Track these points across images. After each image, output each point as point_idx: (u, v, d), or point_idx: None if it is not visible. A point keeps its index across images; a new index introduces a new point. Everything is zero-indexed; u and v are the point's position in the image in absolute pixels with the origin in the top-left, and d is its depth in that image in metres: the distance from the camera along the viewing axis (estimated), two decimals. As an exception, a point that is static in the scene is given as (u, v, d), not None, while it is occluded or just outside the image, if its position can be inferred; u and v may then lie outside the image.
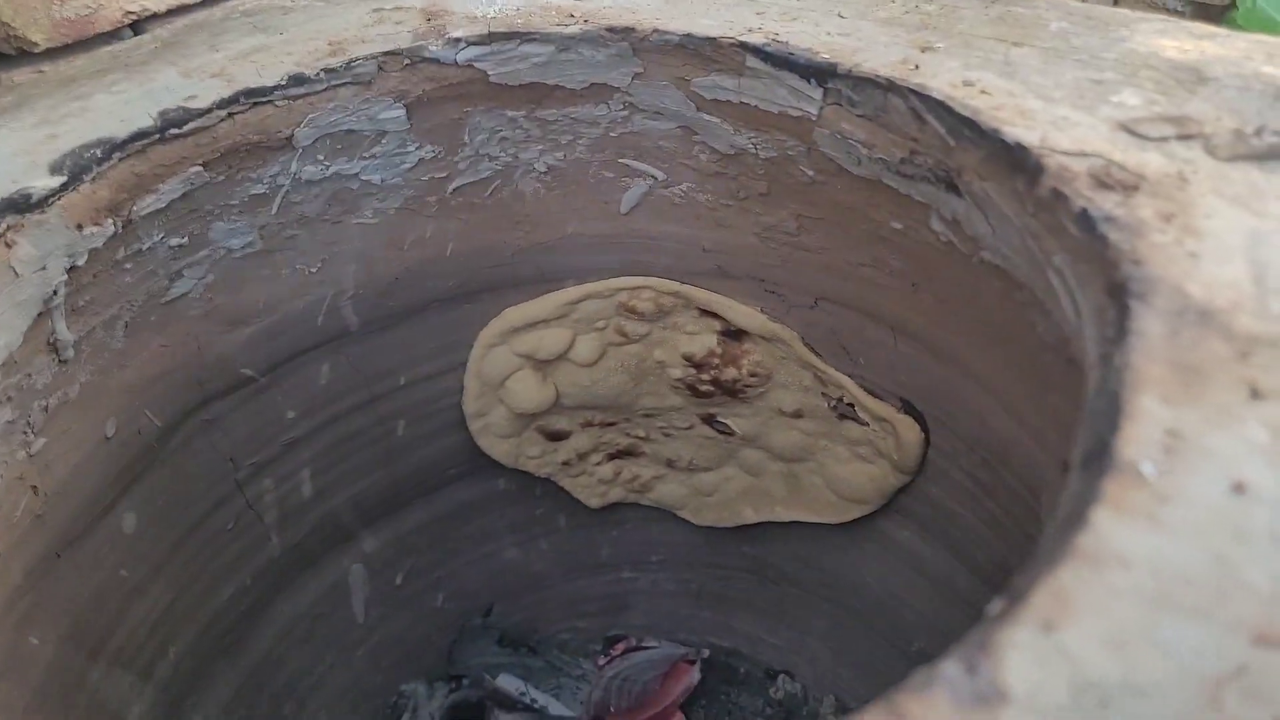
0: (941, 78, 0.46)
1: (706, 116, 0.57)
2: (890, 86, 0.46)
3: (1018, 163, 0.40)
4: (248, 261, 0.61)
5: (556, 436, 0.89)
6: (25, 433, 0.52)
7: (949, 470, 0.74)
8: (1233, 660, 0.22)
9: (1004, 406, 0.62)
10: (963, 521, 0.75)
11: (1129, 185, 0.38)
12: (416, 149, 0.60)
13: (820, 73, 0.49)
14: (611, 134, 0.62)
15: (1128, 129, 0.42)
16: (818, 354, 0.75)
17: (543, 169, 0.65)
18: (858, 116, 0.49)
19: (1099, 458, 0.27)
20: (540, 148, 0.63)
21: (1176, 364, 0.30)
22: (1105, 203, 0.37)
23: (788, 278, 0.70)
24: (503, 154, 0.63)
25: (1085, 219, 0.36)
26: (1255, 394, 0.29)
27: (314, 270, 0.65)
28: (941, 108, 0.44)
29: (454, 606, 1.01)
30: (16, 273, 0.44)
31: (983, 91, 0.44)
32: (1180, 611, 0.23)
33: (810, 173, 0.57)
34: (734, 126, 0.56)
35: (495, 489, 0.94)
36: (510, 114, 0.60)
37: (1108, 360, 0.31)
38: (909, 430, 0.73)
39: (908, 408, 0.73)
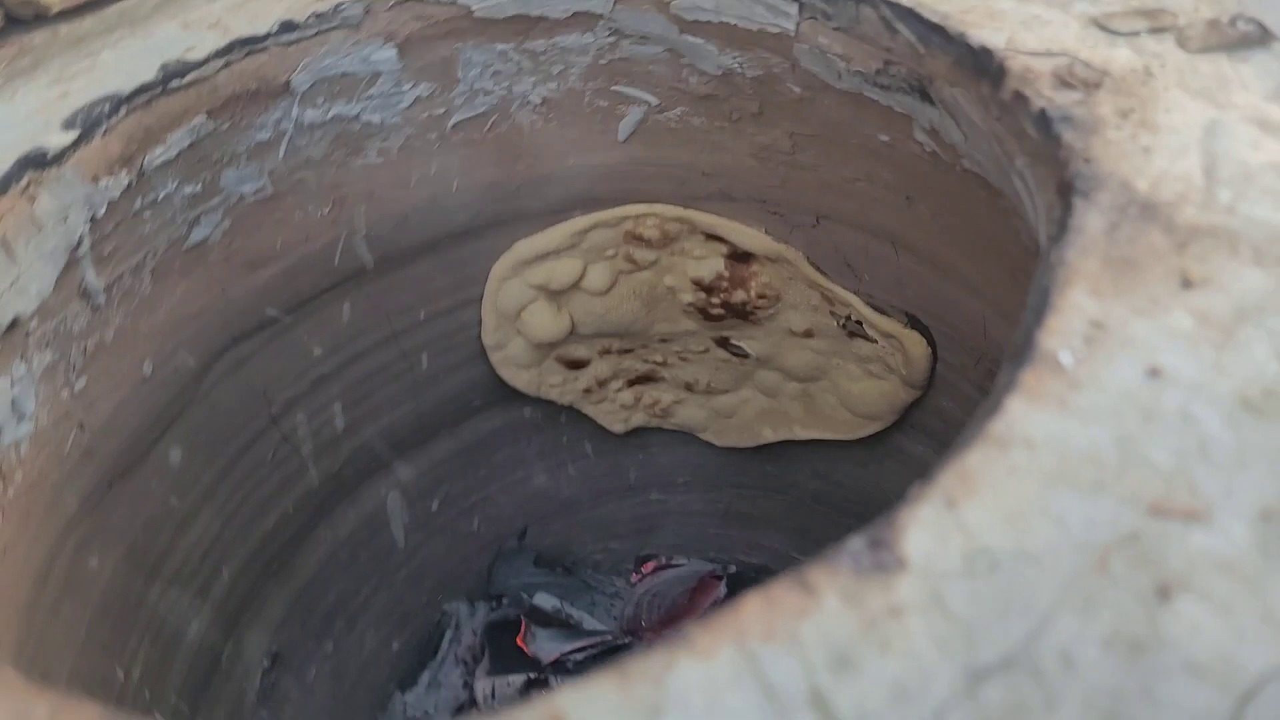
0: (913, -16, 0.46)
1: (690, 38, 0.57)
2: (862, -3, 0.46)
3: (983, 66, 0.41)
4: (260, 206, 0.64)
5: (576, 365, 0.92)
6: (67, 373, 0.56)
7: (958, 383, 0.74)
8: (1124, 529, 0.24)
9: (1003, 315, 0.63)
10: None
11: (1091, 83, 0.38)
12: (411, 88, 0.62)
13: (795, -13, 0.49)
14: (601, 61, 0.62)
15: (1099, 24, 0.42)
16: (823, 272, 0.76)
17: (538, 100, 0.66)
18: (833, 29, 0.49)
19: (1021, 351, 0.28)
20: (533, 79, 0.64)
21: (1111, 258, 0.31)
22: (1065, 101, 0.38)
23: (788, 197, 0.71)
24: (497, 88, 0.64)
25: (1043, 119, 0.37)
26: (1186, 283, 0.30)
27: (325, 211, 0.68)
28: (910, 15, 0.44)
29: (489, 531, 1.06)
30: (40, 224, 0.48)
31: (954, -3, 0.44)
32: (1078, 487, 0.25)
33: (797, 89, 0.57)
34: (718, 47, 0.57)
35: (521, 418, 0.98)
36: (500, 47, 0.61)
37: (1045, 257, 0.32)
38: (916, 345, 0.74)
39: (914, 322, 0.74)
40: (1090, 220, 0.32)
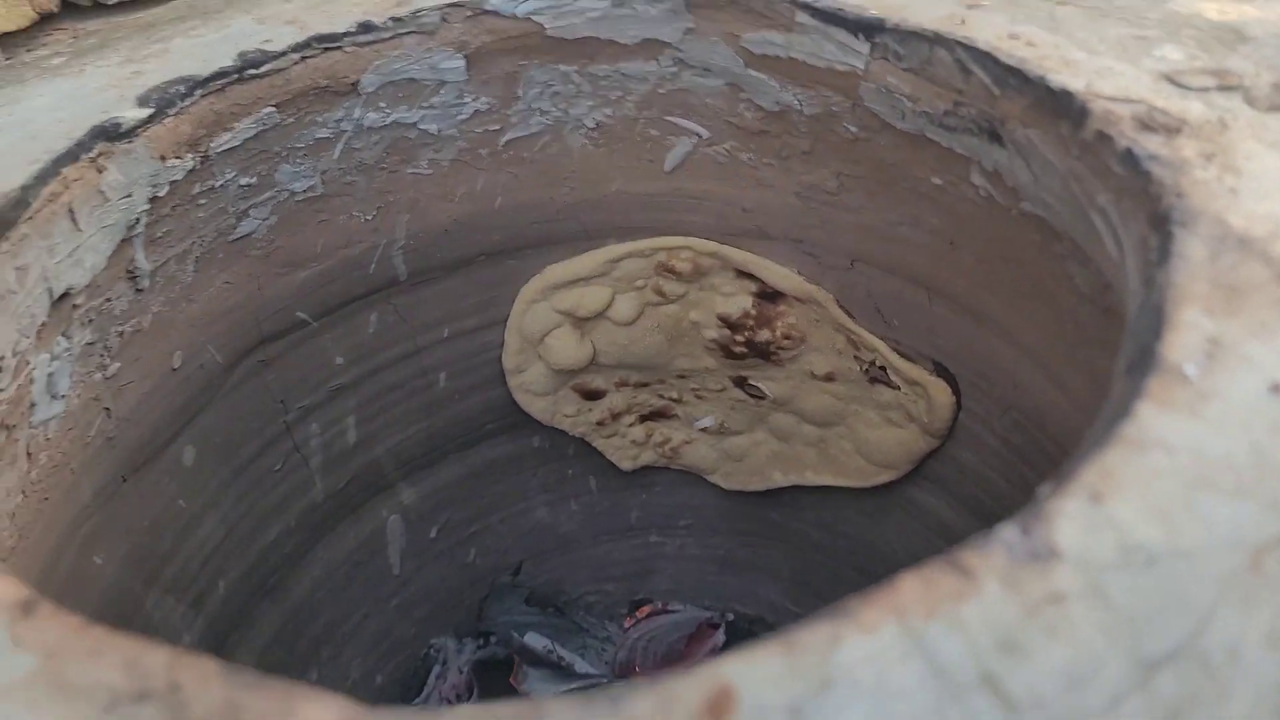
0: (988, 31, 0.47)
1: (754, 73, 0.59)
2: (937, 39, 0.47)
3: (1063, 108, 0.42)
4: (308, 205, 0.64)
5: (592, 395, 0.91)
6: (102, 356, 0.54)
7: (981, 434, 0.75)
8: (1271, 532, 0.24)
9: (1039, 367, 0.63)
10: (994, 487, 0.76)
11: (1171, 128, 0.40)
12: (472, 100, 0.62)
13: (868, 27, 0.51)
14: (660, 91, 0.64)
15: (1170, 79, 0.44)
16: (851, 316, 0.77)
17: (591, 125, 0.67)
18: (903, 70, 0.50)
19: (1143, 361, 0.29)
20: (590, 103, 0.65)
21: (1217, 283, 0.32)
22: (1149, 143, 0.39)
23: (825, 239, 0.72)
24: (554, 109, 0.65)
25: (1130, 157, 0.38)
26: (1292, 311, 0.31)
27: (369, 218, 0.68)
28: (988, 58, 0.45)
29: (485, 563, 1.04)
30: (106, 197, 0.47)
31: (1029, 43, 0.46)
32: (1219, 490, 0.25)
33: (853, 129, 0.59)
34: (781, 83, 0.58)
35: (529, 447, 0.96)
36: (564, 68, 0.62)
37: (1151, 281, 0.33)
38: (940, 393, 0.75)
39: (940, 370, 0.74)
40: (1193, 248, 0.33)
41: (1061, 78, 0.43)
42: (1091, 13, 0.50)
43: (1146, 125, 0.40)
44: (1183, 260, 0.33)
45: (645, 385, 0.92)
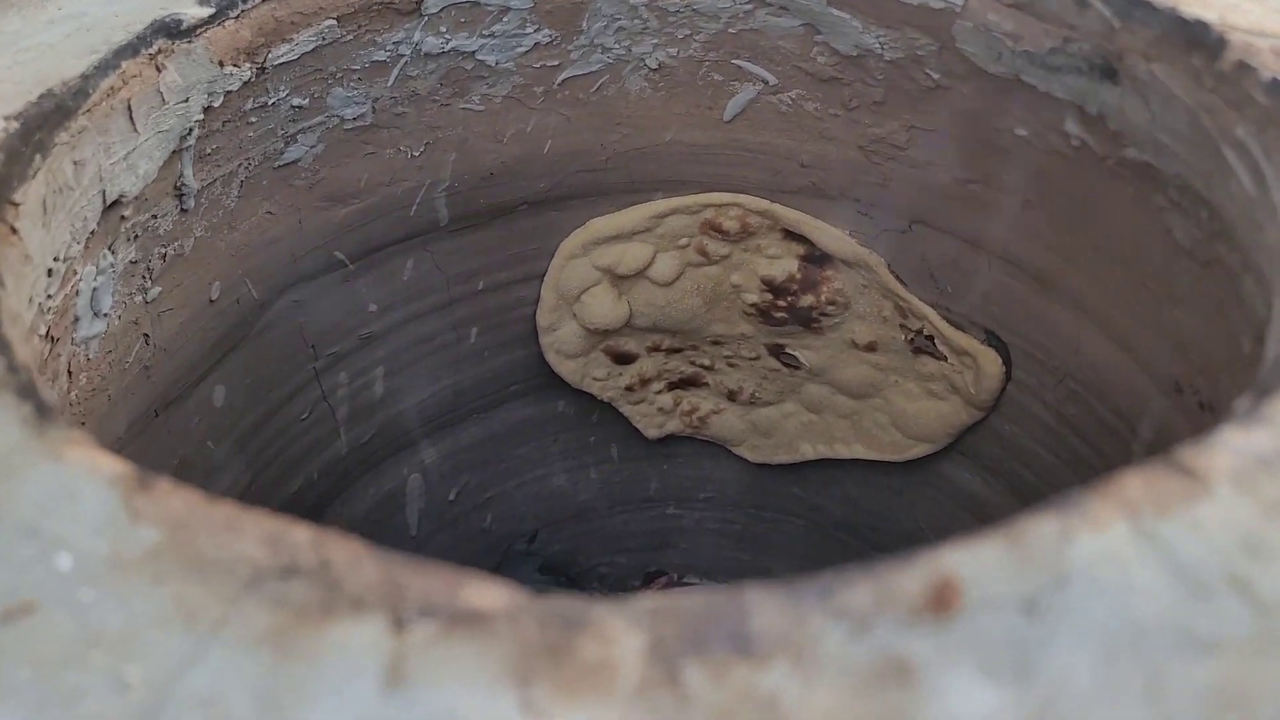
0: (1103, -35, 0.45)
1: (836, 12, 0.57)
2: (1049, -28, 0.45)
3: (1197, 39, 0.40)
4: (356, 135, 0.61)
5: (623, 359, 0.89)
6: (144, 277, 0.52)
7: (1029, 406, 0.73)
8: None
9: (1107, 332, 0.62)
10: (1039, 462, 0.75)
11: (1311, 63, 0.38)
12: (535, 31, 0.60)
13: (969, -38, 0.49)
14: (730, 30, 0.61)
15: (1298, 19, 0.42)
16: (902, 282, 0.75)
17: (653, 65, 0.64)
18: (1007, 6, 0.48)
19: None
20: (655, 41, 0.63)
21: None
22: (1291, 75, 0.37)
23: (885, 198, 0.70)
24: (617, 45, 0.62)
25: (1275, 86, 0.36)
26: None
27: (416, 154, 0.65)
28: (1107, -10, 0.43)
29: (500, 529, 1.01)
30: (163, 98, 0.44)
31: (1149, -23, 0.44)
32: None
33: (935, 75, 0.57)
34: (864, 24, 0.56)
35: (554, 410, 0.94)
36: (633, 1, 0.59)
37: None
38: (990, 363, 0.73)
39: (991, 339, 0.73)
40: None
41: (1193, 8, 0.41)
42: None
43: (1284, 58, 0.38)
44: (1353, 182, 0.31)
45: (678, 351, 0.90)
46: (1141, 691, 0.17)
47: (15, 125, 0.36)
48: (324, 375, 0.74)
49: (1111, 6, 0.43)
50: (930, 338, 0.77)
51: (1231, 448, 0.22)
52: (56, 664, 0.18)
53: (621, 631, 0.19)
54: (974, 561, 0.19)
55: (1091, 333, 0.64)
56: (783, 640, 0.18)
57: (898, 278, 0.75)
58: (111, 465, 0.22)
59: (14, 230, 0.33)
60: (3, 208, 0.33)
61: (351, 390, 0.78)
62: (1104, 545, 0.20)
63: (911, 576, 0.19)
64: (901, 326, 0.79)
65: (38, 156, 0.37)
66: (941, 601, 0.18)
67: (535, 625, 0.19)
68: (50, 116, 0.38)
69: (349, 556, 0.20)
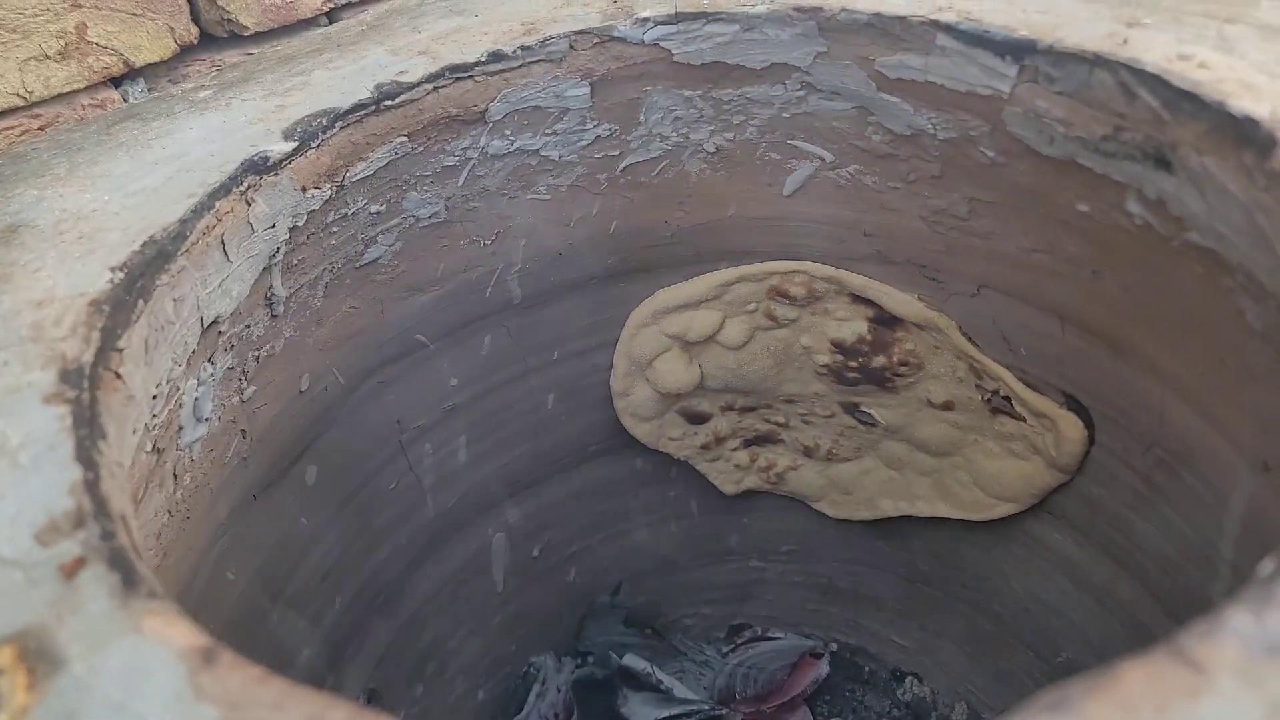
0: (1154, 51, 0.45)
1: (886, 96, 0.57)
2: (1098, 60, 0.45)
3: (1247, 136, 0.39)
4: (432, 231, 0.65)
5: (697, 419, 0.90)
6: (240, 380, 0.56)
7: (1117, 471, 0.71)
8: None
9: (1189, 402, 0.59)
10: (1130, 527, 0.72)
11: (1375, 158, 0.36)
12: (595, 126, 0.62)
13: (1017, 49, 0.49)
14: (784, 115, 0.62)
15: (1365, 103, 0.40)
16: (975, 344, 0.74)
17: (711, 149, 0.66)
18: (1055, 93, 0.48)
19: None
20: (711, 128, 0.64)
21: None
22: (1350, 175, 0.36)
23: (951, 264, 0.69)
24: (674, 134, 0.64)
25: (1330, 190, 0.35)
26: None
27: (488, 243, 0.68)
28: (1156, 81, 0.42)
29: (584, 583, 1.04)
30: (253, 228, 0.48)
31: (1201, 65, 0.43)
32: None
33: (991, 154, 0.56)
34: (914, 106, 0.56)
35: (633, 468, 0.96)
36: (687, 93, 0.61)
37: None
38: (1071, 427, 0.71)
39: (1071, 403, 0.71)
40: None
41: (1243, 103, 0.40)
42: (1265, 31, 0.47)
43: (1343, 154, 0.37)
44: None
45: (752, 410, 0.90)
46: None
47: (120, 275, 0.41)
48: (410, 448, 0.79)
49: (1159, 97, 0.42)
50: (1007, 398, 0.75)
51: (1239, 635, 0.21)
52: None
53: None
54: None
55: (1175, 402, 0.61)
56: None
57: (970, 339, 0.74)
58: (182, 638, 0.25)
59: (118, 375, 0.38)
60: (108, 356, 0.38)
61: (437, 460, 0.82)
62: (1095, 749, 0.20)
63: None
64: (977, 387, 0.77)
65: (140, 302, 0.41)
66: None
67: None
68: (152, 264, 0.42)
69: (378, 737, 0.22)
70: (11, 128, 0.65)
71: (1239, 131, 0.39)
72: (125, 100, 0.68)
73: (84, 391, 0.34)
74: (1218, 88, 0.41)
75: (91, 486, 0.30)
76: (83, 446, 0.31)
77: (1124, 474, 0.70)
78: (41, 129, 0.63)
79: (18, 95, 0.64)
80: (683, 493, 1.00)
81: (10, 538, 0.28)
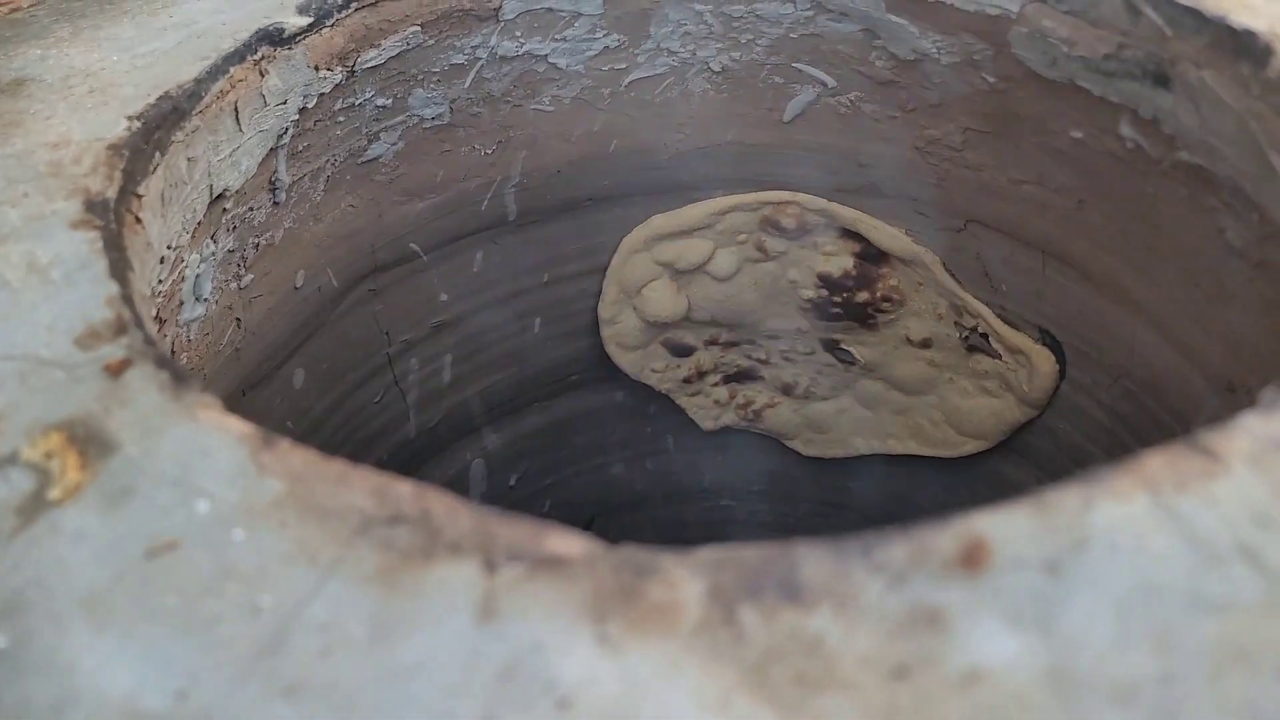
0: (1160, -29, 0.46)
1: (894, 18, 0.58)
2: (1106, -22, 0.46)
3: (1245, 47, 0.41)
4: (434, 134, 0.64)
5: (681, 351, 0.91)
6: (239, 266, 0.56)
7: (1084, 405, 0.74)
8: None
9: (1161, 331, 0.62)
10: (1093, 460, 0.75)
11: (1367, 68, 0.39)
12: (604, 36, 0.63)
13: (1028, -32, 0.50)
14: (792, 35, 0.63)
15: (1357, 24, 0.42)
16: (958, 280, 0.76)
17: (717, 69, 0.67)
18: (1063, 12, 0.49)
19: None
20: (719, 45, 0.65)
21: None
22: (1344, 81, 0.38)
23: (941, 198, 0.71)
24: (682, 49, 0.65)
25: (1326, 92, 0.37)
26: None
27: (489, 152, 0.68)
28: (1161, -3, 0.44)
29: (558, 515, 1.05)
30: (265, 101, 0.48)
31: (1204, -16, 0.45)
32: None
33: (991, 79, 0.58)
34: (921, 29, 0.58)
35: (613, 401, 0.97)
36: (698, 7, 0.62)
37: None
38: (1044, 361, 0.74)
39: (1046, 338, 0.73)
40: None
41: (1242, 18, 0.42)
42: (1262, -40, 0.49)
43: (1337, 64, 0.39)
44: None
45: (734, 345, 0.92)
46: (1153, 644, 0.19)
47: (138, 125, 0.40)
48: (396, 361, 0.78)
49: (1163, 14, 0.44)
50: (985, 335, 0.77)
51: (1251, 432, 0.23)
52: (198, 592, 0.22)
53: (685, 578, 0.21)
54: (1003, 525, 0.21)
55: (1146, 332, 0.64)
56: (827, 589, 0.21)
57: (953, 275, 0.76)
58: (239, 426, 0.25)
59: (138, 220, 0.37)
60: (129, 199, 0.37)
61: (422, 376, 0.82)
62: (1124, 515, 0.21)
63: (945, 537, 0.21)
64: (956, 324, 0.79)
65: (158, 154, 0.41)
66: (972, 559, 0.21)
67: (610, 570, 0.22)
68: (168, 117, 0.42)
69: (447, 508, 0.23)
70: (2, 3, 0.63)
71: (1237, 43, 0.41)
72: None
73: (110, 223, 0.34)
74: (1218, 4, 0.43)
75: (129, 301, 0.30)
76: (116, 266, 0.31)
77: (1090, 408, 0.73)
78: (32, 5, 0.62)
79: (7, -31, 0.62)
80: (660, 429, 1.01)
81: (47, 342, 0.28)
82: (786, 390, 0.94)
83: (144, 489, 0.24)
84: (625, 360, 0.91)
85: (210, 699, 0.19)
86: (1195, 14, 0.43)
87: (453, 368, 0.84)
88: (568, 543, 0.22)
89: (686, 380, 0.94)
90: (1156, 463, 0.22)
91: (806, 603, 0.20)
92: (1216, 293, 0.53)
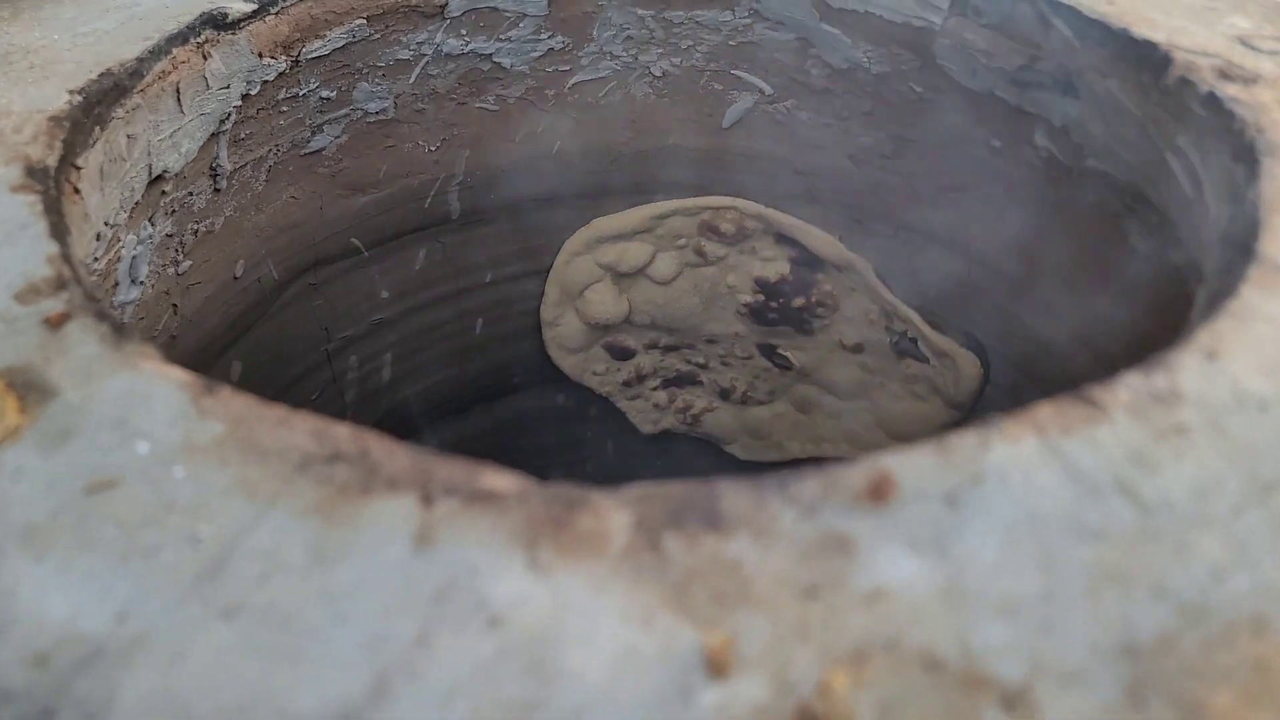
0: (1068, -10, 0.50)
1: (828, 27, 0.61)
2: (1020, -6, 0.50)
3: (1145, 57, 0.44)
4: (378, 128, 0.65)
5: (622, 354, 0.93)
6: (177, 251, 0.55)
7: (1006, 406, 0.77)
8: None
9: (1076, 335, 0.66)
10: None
11: (1248, 78, 0.42)
12: (549, 38, 0.64)
13: (949, -16, 0.53)
14: (730, 42, 0.66)
15: (1243, 42, 0.46)
16: (888, 285, 0.79)
17: (658, 74, 0.69)
18: (982, 25, 0.53)
19: (1243, 255, 0.31)
20: (660, 50, 0.67)
21: (1302, 202, 0.34)
22: (1228, 89, 0.41)
23: (873, 205, 0.74)
24: (624, 54, 0.67)
25: (1212, 99, 0.40)
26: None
27: (433, 149, 0.69)
28: (1069, 11, 0.48)
29: (498, 518, 1.04)
30: (208, 84, 0.48)
31: (1108, 1, 0.48)
32: (1322, 357, 0.27)
33: (919, 89, 0.61)
34: (853, 39, 0.60)
35: (553, 404, 0.98)
36: (641, 12, 0.64)
37: (1239, 199, 0.35)
38: (969, 364, 0.77)
39: (970, 342, 0.77)
40: (1277, 171, 0.35)
41: (1143, 31, 0.45)
42: (1161, -15, 0.53)
43: (1225, 75, 0.42)
44: (1271, 180, 0.35)
45: (674, 349, 0.94)
46: (1036, 565, 0.21)
47: (79, 98, 0.40)
48: (335, 358, 0.78)
49: (1072, 27, 0.47)
50: (914, 340, 0.80)
51: (1131, 386, 0.26)
52: (137, 525, 0.22)
53: (612, 509, 0.23)
54: (908, 463, 0.23)
55: (1065, 339, 0.67)
56: (745, 519, 0.22)
57: (883, 281, 0.79)
58: (179, 374, 0.26)
59: (77, 190, 0.37)
60: (68, 170, 0.37)
61: (361, 374, 0.81)
62: (1014, 454, 0.23)
63: (855, 473, 0.23)
64: (887, 329, 0.82)
65: (97, 128, 0.41)
66: (878, 492, 0.22)
67: (541, 503, 0.23)
68: (109, 93, 0.42)
69: (384, 447, 0.23)
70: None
71: (1139, 54, 0.44)
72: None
73: (50, 189, 0.34)
74: (1121, 19, 0.47)
75: (69, 260, 0.30)
76: (56, 228, 0.31)
77: (1011, 409, 0.76)
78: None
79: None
80: (600, 432, 1.02)
81: (-14, 296, 0.28)
82: (724, 395, 0.96)
83: (84, 431, 0.24)
84: (567, 363, 0.92)
85: (149, 621, 0.20)
86: (1101, 25, 0.47)
87: (393, 366, 0.84)
88: (502, 479, 0.23)
89: (627, 383, 0.95)
90: (1046, 411, 0.24)
91: (726, 530, 0.22)
92: (1126, 298, 0.57)
